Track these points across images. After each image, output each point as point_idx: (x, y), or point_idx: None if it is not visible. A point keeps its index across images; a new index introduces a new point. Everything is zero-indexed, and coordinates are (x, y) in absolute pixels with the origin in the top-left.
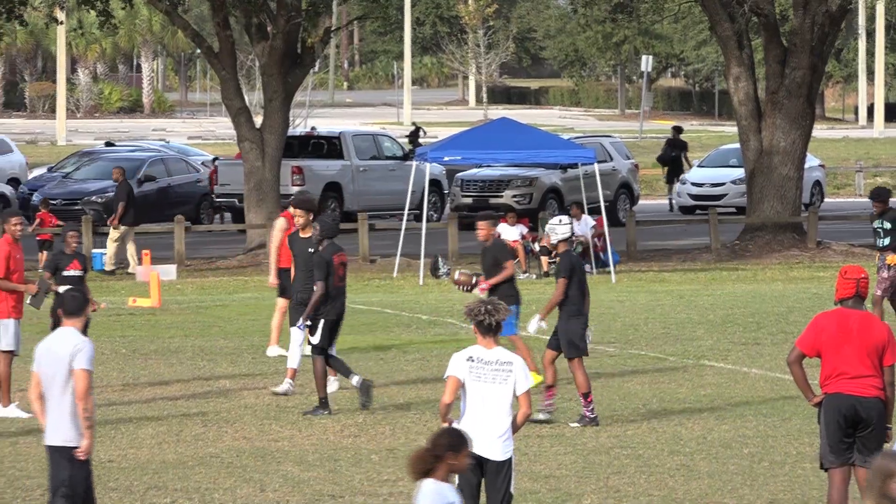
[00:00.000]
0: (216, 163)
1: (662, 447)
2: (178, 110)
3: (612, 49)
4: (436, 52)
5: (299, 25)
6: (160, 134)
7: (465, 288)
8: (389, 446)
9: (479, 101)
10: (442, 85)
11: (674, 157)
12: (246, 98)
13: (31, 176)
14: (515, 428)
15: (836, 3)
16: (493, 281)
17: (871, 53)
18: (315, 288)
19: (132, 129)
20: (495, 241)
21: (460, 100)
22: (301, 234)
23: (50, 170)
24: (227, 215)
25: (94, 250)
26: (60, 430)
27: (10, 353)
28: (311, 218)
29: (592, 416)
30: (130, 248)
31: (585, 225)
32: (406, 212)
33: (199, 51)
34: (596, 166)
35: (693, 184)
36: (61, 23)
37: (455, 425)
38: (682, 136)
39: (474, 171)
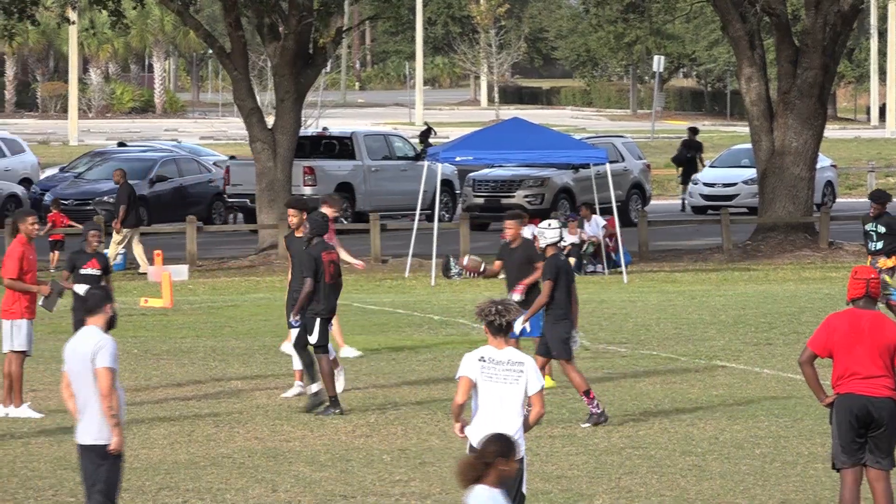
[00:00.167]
0: (229, 163)
1: (674, 447)
2: (190, 110)
3: (624, 49)
4: (447, 53)
5: (311, 25)
6: (172, 134)
7: (472, 274)
8: (401, 446)
9: (490, 101)
10: (454, 85)
11: (689, 157)
12: (258, 98)
13: (43, 176)
14: (527, 427)
15: (848, 2)
16: (528, 281)
17: (882, 53)
18: (304, 285)
19: (144, 130)
20: (525, 240)
21: (472, 100)
22: (296, 234)
23: (62, 170)
24: (240, 215)
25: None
26: (90, 428)
27: (23, 354)
28: (304, 217)
29: (599, 410)
30: (137, 249)
31: (596, 225)
32: (418, 212)
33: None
34: (608, 166)
35: (705, 184)
36: (73, 23)
37: (467, 427)
38: (697, 137)
39: (486, 171)
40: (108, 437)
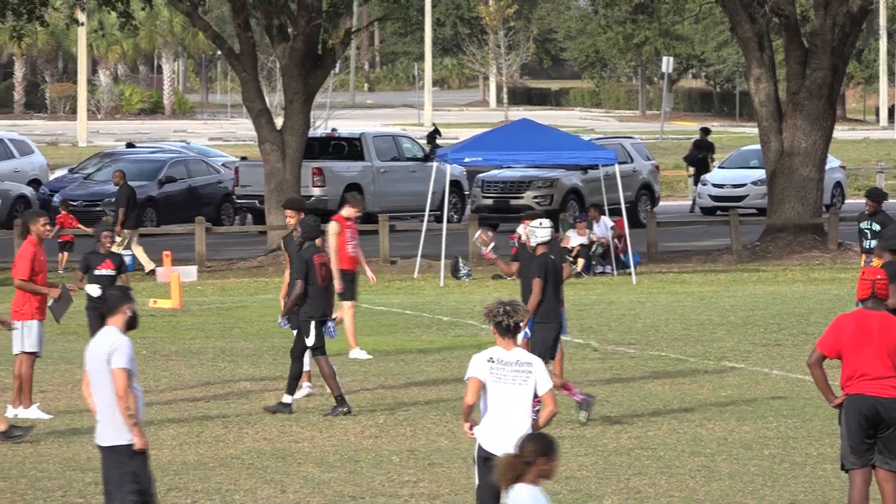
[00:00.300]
0: (238, 164)
1: (683, 448)
2: (199, 112)
3: (633, 50)
4: (456, 54)
5: (320, 27)
6: (181, 135)
7: (484, 246)
8: (410, 447)
9: (499, 102)
10: (462, 86)
11: (700, 158)
12: (267, 99)
13: (52, 177)
14: (540, 426)
15: (856, 3)
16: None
17: (892, 54)
18: (295, 286)
19: (153, 131)
20: (551, 242)
21: (481, 101)
22: (294, 235)
23: (71, 171)
24: (249, 216)
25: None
26: (109, 429)
27: (33, 355)
28: (301, 218)
29: (582, 396)
30: (137, 250)
31: (605, 227)
32: (427, 213)
33: (219, 52)
34: (616, 167)
35: (714, 185)
36: (82, 24)
37: (476, 427)
38: (709, 138)
39: (495, 172)
40: (128, 437)
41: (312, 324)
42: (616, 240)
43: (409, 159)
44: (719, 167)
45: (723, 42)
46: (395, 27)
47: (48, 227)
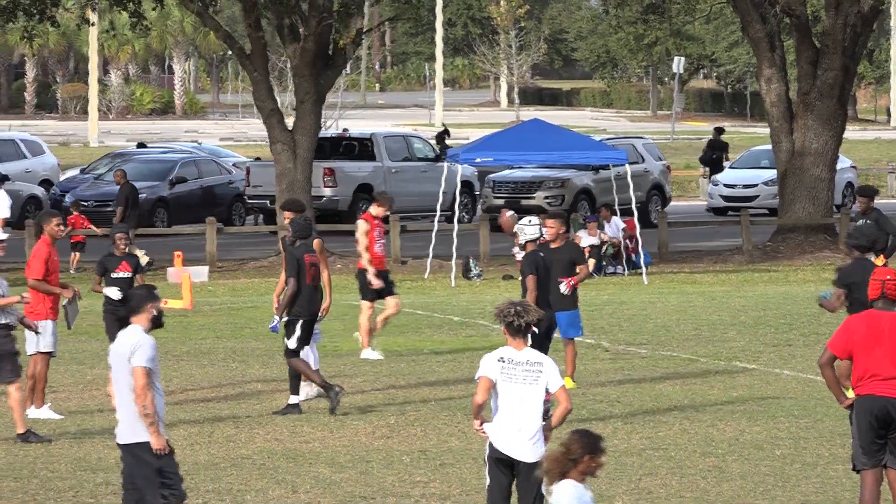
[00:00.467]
0: (249, 164)
1: (694, 449)
2: (210, 112)
3: (644, 50)
4: (467, 54)
5: (331, 27)
6: (192, 135)
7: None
8: (421, 447)
9: (510, 102)
10: (473, 86)
11: (714, 158)
12: (278, 99)
13: (63, 177)
14: (554, 425)
15: (868, 3)
16: (575, 281)
17: None
18: (287, 286)
19: (164, 131)
20: (569, 241)
21: (492, 101)
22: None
23: (82, 171)
24: (260, 217)
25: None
26: (128, 427)
27: (48, 355)
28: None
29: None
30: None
31: (616, 227)
32: (438, 213)
33: (230, 52)
34: (628, 168)
35: (725, 185)
36: (93, 24)
37: (487, 425)
38: (723, 138)
39: (506, 172)
40: (147, 435)
41: (300, 323)
42: (627, 240)
43: (420, 159)
44: (730, 167)
45: (734, 42)
46: (406, 27)
47: (61, 228)
